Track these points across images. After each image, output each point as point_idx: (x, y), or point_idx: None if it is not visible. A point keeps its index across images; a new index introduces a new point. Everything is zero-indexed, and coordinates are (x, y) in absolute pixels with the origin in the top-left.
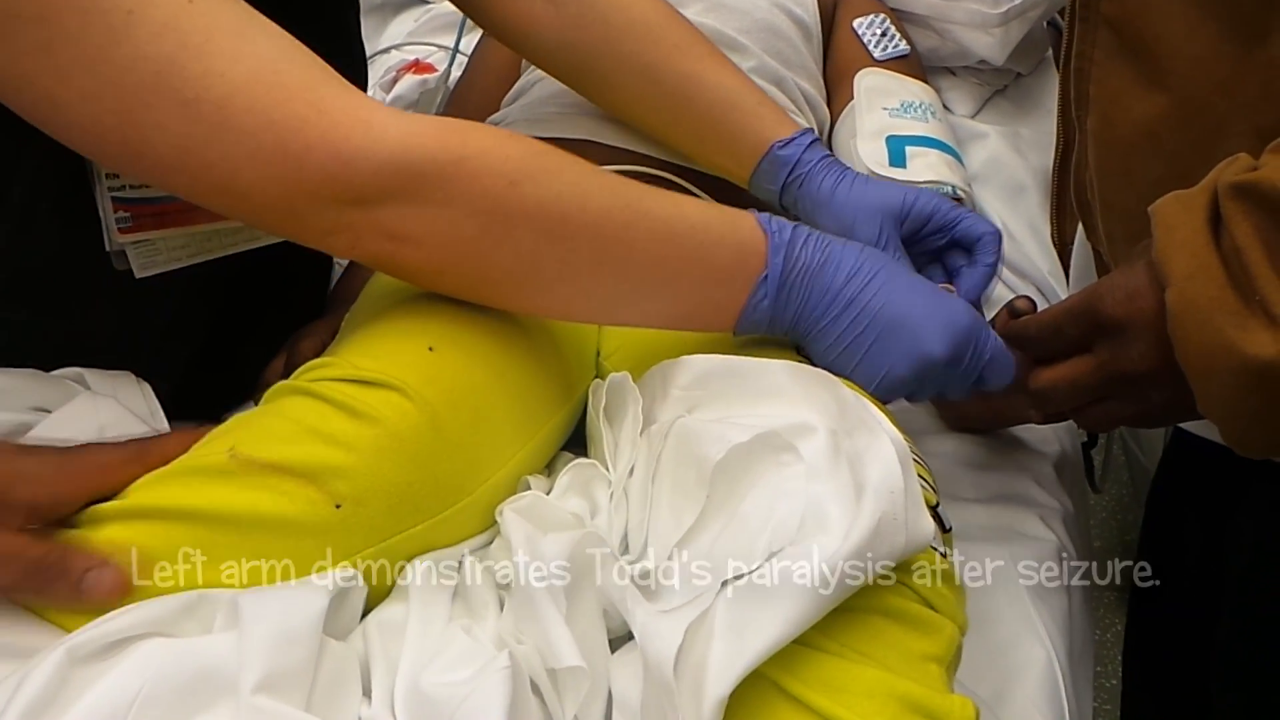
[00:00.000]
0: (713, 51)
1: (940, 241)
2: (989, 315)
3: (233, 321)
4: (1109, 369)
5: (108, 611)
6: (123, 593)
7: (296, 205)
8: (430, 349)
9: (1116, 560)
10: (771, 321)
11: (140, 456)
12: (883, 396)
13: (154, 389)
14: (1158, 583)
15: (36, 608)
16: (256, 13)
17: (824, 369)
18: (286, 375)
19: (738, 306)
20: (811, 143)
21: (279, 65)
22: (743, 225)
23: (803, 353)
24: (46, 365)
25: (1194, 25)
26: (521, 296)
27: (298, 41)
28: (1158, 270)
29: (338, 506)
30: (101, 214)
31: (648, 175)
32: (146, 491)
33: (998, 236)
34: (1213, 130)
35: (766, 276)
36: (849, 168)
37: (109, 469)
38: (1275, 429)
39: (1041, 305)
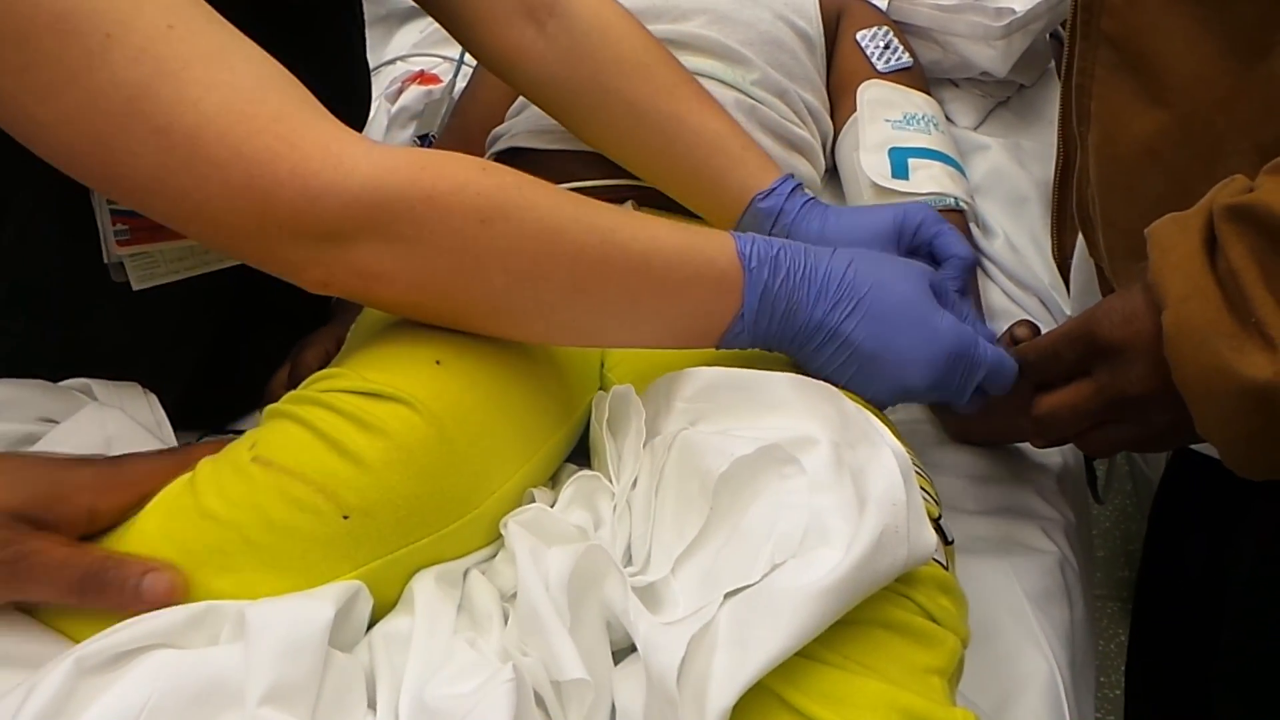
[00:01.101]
0: (700, 94)
1: (922, 253)
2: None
3: (234, 332)
4: (1109, 393)
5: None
6: (180, 594)
7: (267, 239)
8: (437, 363)
9: (1120, 570)
10: (753, 344)
11: (183, 465)
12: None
13: (158, 399)
14: (1161, 595)
15: (45, 616)
16: (242, 38)
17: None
18: (292, 386)
19: (716, 336)
20: (792, 190)
21: (254, 94)
22: (720, 258)
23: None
24: (49, 375)
25: (1194, 42)
26: (499, 329)
27: (280, 68)
28: (1154, 292)
29: (346, 517)
30: (100, 226)
31: (647, 189)
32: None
33: (968, 262)
34: (1213, 147)
35: (742, 314)
36: (830, 207)
37: (155, 476)
38: (1275, 451)
39: (1043, 315)
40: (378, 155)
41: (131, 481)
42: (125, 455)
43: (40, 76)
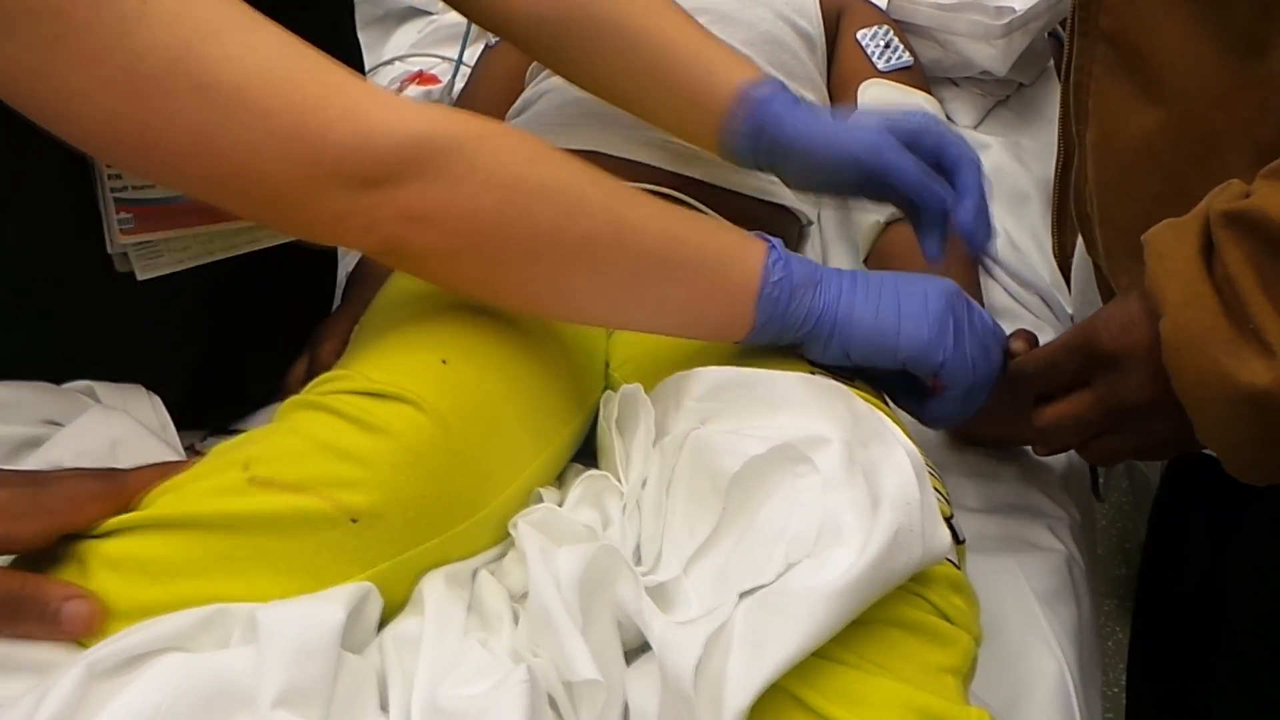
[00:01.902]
0: (678, 9)
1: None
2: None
3: (238, 325)
4: (1109, 402)
5: (84, 644)
6: (100, 625)
7: (314, 188)
8: (443, 362)
9: (1117, 568)
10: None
11: (115, 491)
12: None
13: (160, 394)
14: (1161, 593)
15: None
16: (261, 14)
17: None
18: (310, 379)
19: (743, 330)
20: (783, 87)
21: (293, 53)
22: (734, 273)
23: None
24: (52, 369)
25: (1191, 40)
26: (534, 282)
27: (305, 41)
28: (1151, 299)
29: (354, 521)
30: (104, 216)
31: (655, 191)
32: (163, 503)
33: (976, 163)
34: (1210, 145)
35: (754, 329)
36: (820, 109)
37: (80, 503)
38: (1275, 457)
39: (1045, 313)
40: (425, 106)
41: (53, 509)
42: (55, 473)
43: (74, 46)
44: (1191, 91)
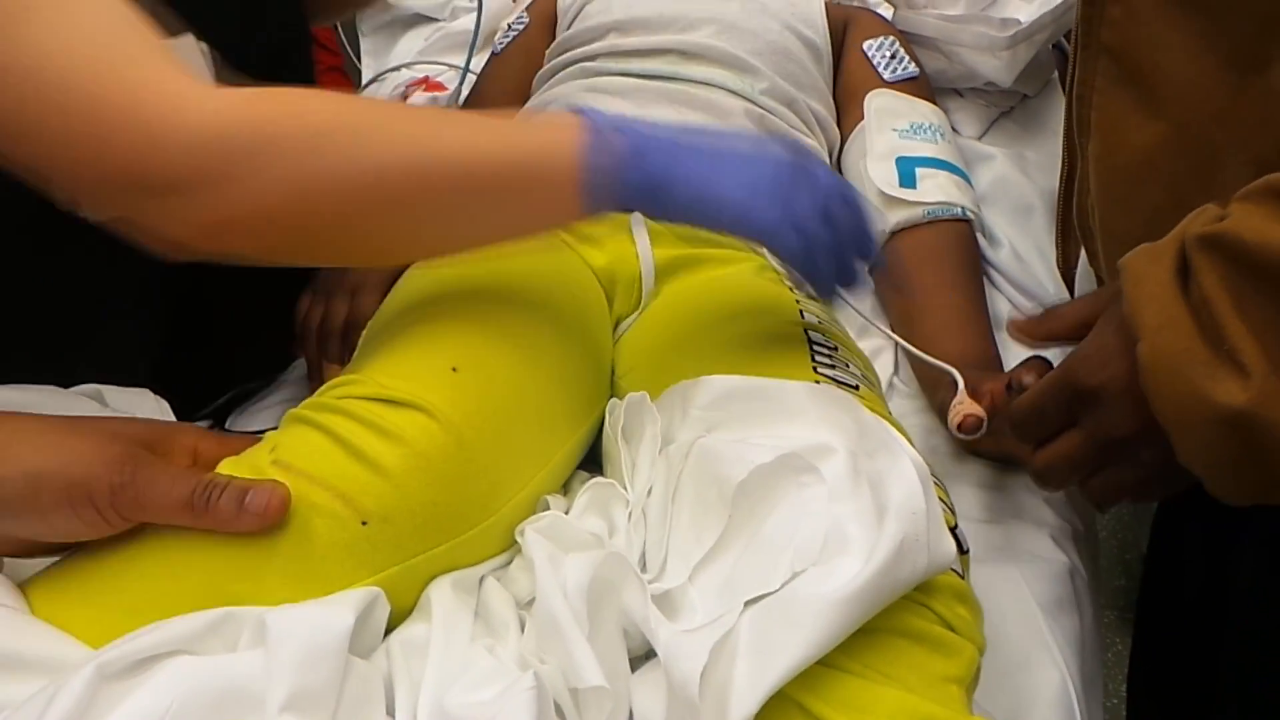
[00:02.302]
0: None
1: None
2: (998, 334)
3: (206, 293)
4: (1097, 437)
5: (265, 531)
6: (281, 513)
7: (105, 192)
8: (454, 369)
9: (1117, 579)
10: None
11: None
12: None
13: (134, 366)
14: (1163, 605)
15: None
16: None
17: None
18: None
19: (573, 219)
20: None
21: (98, 37)
22: (554, 173)
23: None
24: (16, 337)
25: (1192, 55)
26: (355, 245)
27: (131, 12)
28: (1128, 324)
29: (364, 524)
30: None
31: None
32: None
33: None
34: (1211, 159)
35: (583, 215)
36: None
37: (240, 442)
38: (1257, 478)
39: None
40: (216, 97)
41: (225, 440)
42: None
43: None
44: (1192, 106)
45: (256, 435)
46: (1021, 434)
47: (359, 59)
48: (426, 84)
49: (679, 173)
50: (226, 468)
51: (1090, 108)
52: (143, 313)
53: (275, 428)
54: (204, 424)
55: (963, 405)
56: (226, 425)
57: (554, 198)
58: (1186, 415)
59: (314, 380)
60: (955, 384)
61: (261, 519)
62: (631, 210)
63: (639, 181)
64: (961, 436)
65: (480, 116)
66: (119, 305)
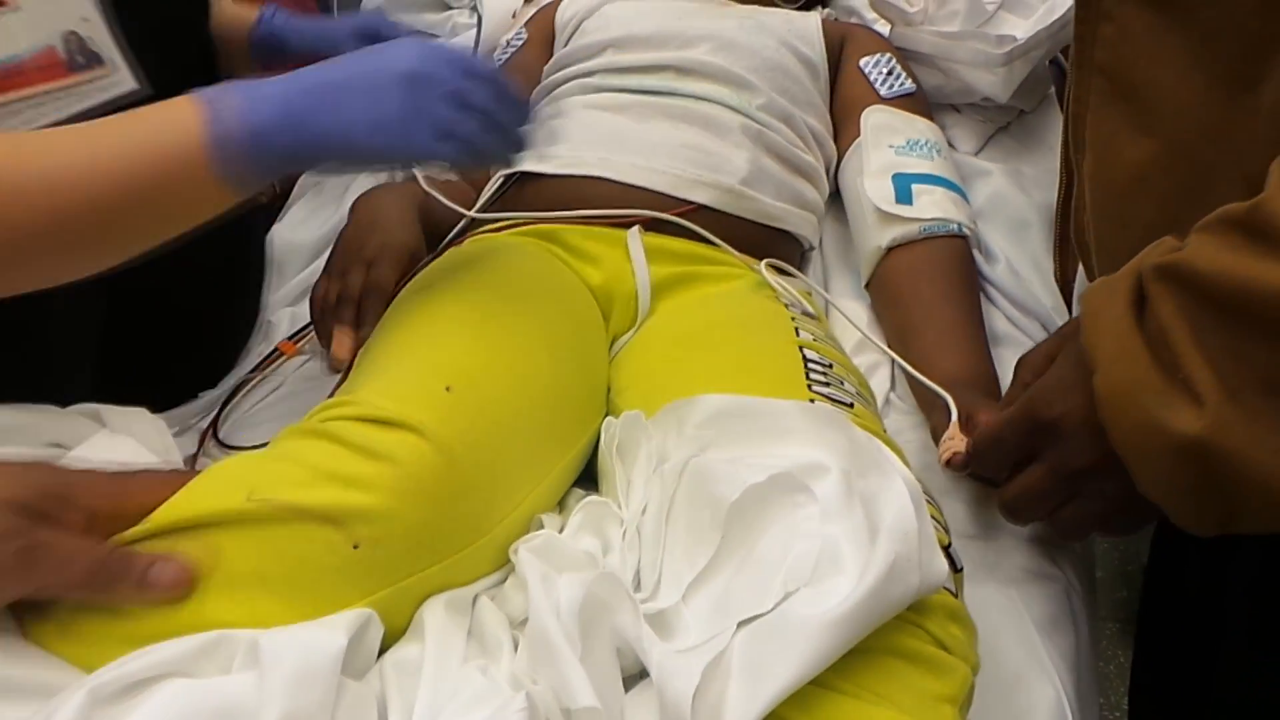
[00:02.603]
0: None
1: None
2: (995, 351)
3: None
4: (1059, 470)
5: (171, 605)
6: (188, 586)
7: None
8: (447, 389)
9: (1118, 591)
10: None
11: (183, 480)
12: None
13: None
14: (1164, 617)
15: (48, 641)
16: None
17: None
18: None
19: (223, 204)
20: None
21: None
22: (181, 167)
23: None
24: None
25: (1183, 73)
26: (18, 283)
27: None
28: (1086, 356)
29: (356, 547)
30: None
31: (655, 218)
32: (163, 513)
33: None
34: (1202, 177)
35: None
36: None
37: (158, 492)
38: (1218, 507)
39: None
40: None
41: (133, 493)
42: (132, 470)
43: None
44: (1183, 124)
45: (191, 472)
46: (982, 467)
47: None
48: None
49: (320, 129)
50: (195, 508)
51: (1085, 125)
52: (81, 312)
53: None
54: (198, 431)
55: (952, 441)
56: (220, 436)
57: (193, 183)
58: (1143, 445)
59: (327, 358)
60: (949, 411)
61: (169, 592)
62: (289, 171)
63: (284, 148)
64: (950, 471)
65: (101, 126)
66: (57, 304)
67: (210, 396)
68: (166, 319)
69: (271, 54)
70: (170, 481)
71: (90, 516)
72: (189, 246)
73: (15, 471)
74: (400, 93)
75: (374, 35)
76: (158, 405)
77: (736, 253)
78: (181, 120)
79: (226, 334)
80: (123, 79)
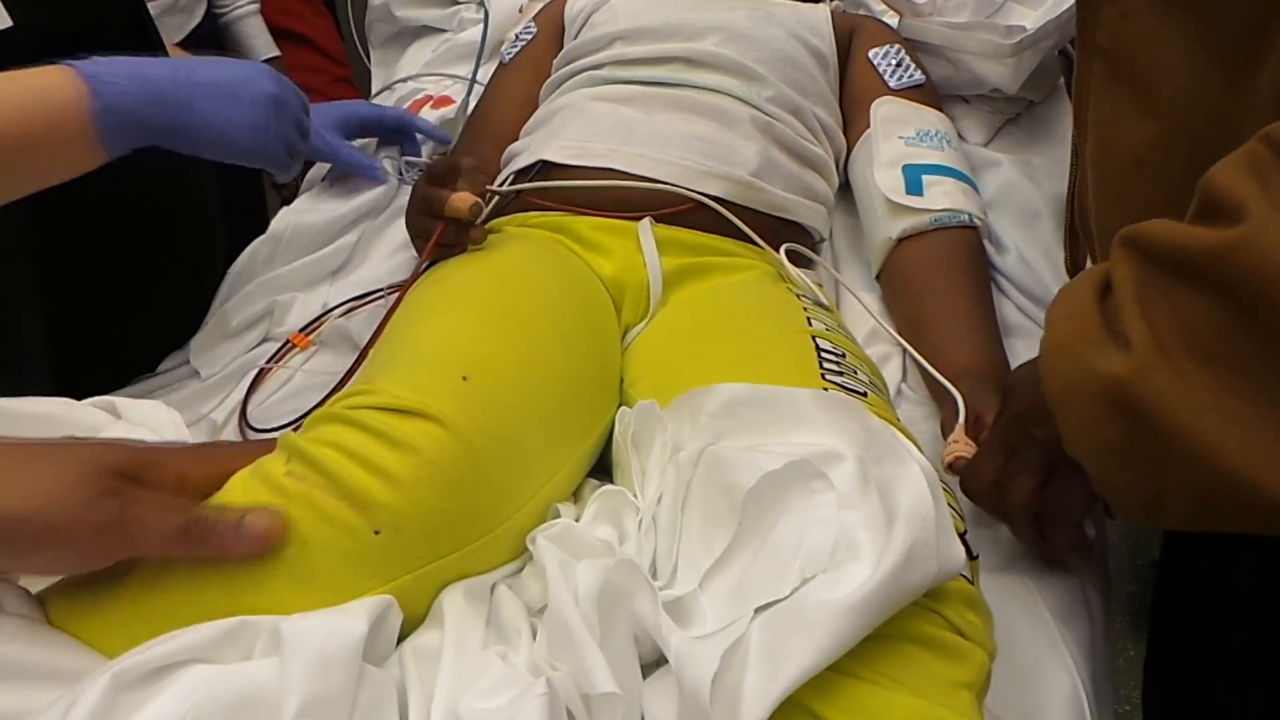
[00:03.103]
0: None
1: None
2: (1006, 341)
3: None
4: (1034, 457)
5: (262, 558)
6: (278, 536)
7: None
8: (464, 378)
9: (1128, 584)
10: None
11: (260, 452)
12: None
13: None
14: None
15: (79, 628)
16: None
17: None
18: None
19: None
20: None
21: None
22: (57, 134)
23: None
24: None
25: (1183, 54)
26: None
27: None
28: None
29: (376, 533)
30: None
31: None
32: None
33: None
34: (1202, 159)
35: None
36: None
37: (237, 458)
38: (1144, 478)
39: None
40: None
41: (215, 459)
42: (206, 442)
43: None
44: (1183, 105)
45: (269, 439)
46: (977, 478)
47: (369, 67)
48: (434, 101)
49: (200, 121)
50: (241, 479)
51: (1087, 108)
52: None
53: (293, 424)
54: (211, 422)
55: (956, 445)
56: (247, 417)
57: (69, 145)
58: (1072, 392)
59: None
60: (957, 410)
61: (261, 544)
62: (156, 144)
63: (162, 125)
64: (953, 475)
65: None
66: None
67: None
68: (111, 276)
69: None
70: (250, 451)
71: (180, 480)
72: (130, 199)
73: (106, 443)
74: (270, 109)
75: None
76: (116, 370)
77: (758, 238)
78: (61, 89)
79: (178, 293)
80: None
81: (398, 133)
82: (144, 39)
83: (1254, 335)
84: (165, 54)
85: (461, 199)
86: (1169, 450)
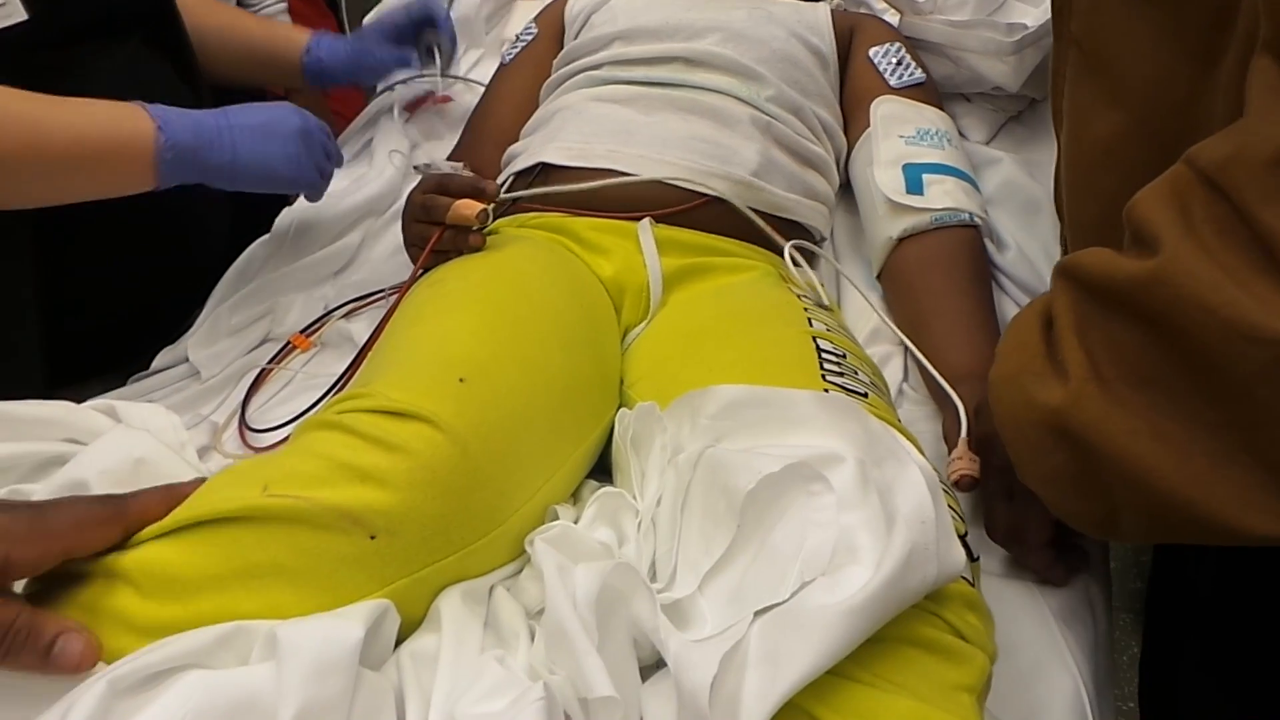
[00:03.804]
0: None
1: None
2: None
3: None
4: (1006, 480)
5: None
6: (91, 662)
7: None
8: (460, 380)
9: (1132, 582)
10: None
11: (119, 516)
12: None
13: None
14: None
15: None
16: None
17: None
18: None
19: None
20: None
21: None
22: (131, 159)
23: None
24: None
25: (1150, 46)
26: None
27: None
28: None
29: (372, 537)
30: None
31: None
32: (181, 510)
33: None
34: (1167, 150)
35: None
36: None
37: (85, 528)
38: (1093, 499)
39: None
40: None
41: (54, 533)
42: (53, 502)
43: None
44: (1151, 96)
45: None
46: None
47: None
48: (433, 99)
49: (247, 158)
50: (235, 483)
51: (1062, 97)
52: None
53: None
54: (211, 424)
55: (960, 462)
56: (246, 419)
57: (131, 170)
58: (1018, 423)
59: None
60: (959, 419)
61: (73, 670)
62: (208, 181)
63: (212, 164)
64: (959, 492)
65: (73, 103)
66: None
67: (173, 369)
68: (108, 260)
69: (319, 78)
70: (94, 513)
71: (3, 562)
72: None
73: None
74: (300, 141)
75: (428, 19)
76: (112, 359)
77: (769, 229)
78: (133, 120)
79: (175, 282)
80: (14, 10)
81: (427, 22)
82: (168, 30)
83: (1179, 361)
84: (188, 42)
85: (468, 205)
86: (1111, 475)
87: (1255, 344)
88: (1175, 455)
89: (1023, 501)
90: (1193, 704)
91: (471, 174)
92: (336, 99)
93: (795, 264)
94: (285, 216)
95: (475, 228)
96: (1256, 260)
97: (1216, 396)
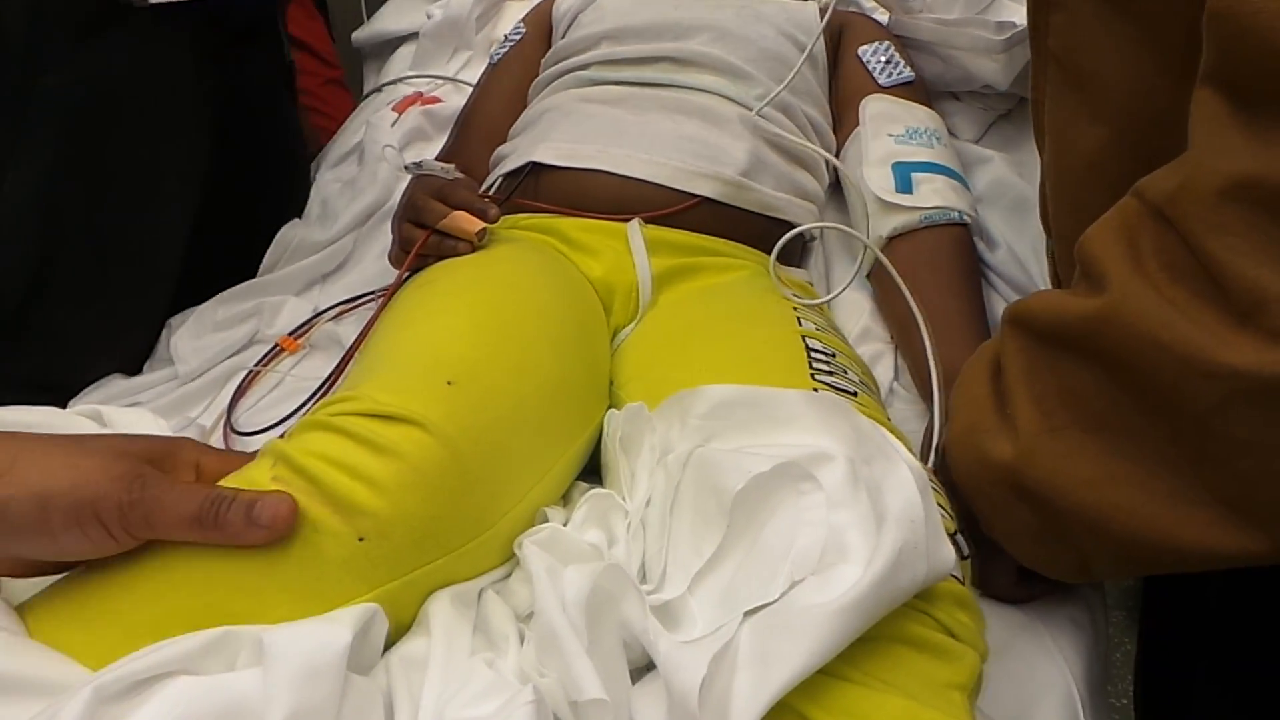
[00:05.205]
0: None
1: None
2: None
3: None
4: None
5: (273, 545)
6: (291, 520)
7: None
8: (449, 383)
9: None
10: None
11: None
12: None
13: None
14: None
15: (60, 635)
16: None
17: None
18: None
19: None
20: None
21: None
22: None
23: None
24: None
25: (1128, 60)
26: None
27: None
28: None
29: (361, 539)
30: None
31: (659, 217)
32: None
33: None
34: (1151, 164)
35: None
36: None
37: (233, 460)
38: (1062, 550)
39: None
40: None
41: (227, 455)
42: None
43: None
44: (1132, 110)
45: (254, 448)
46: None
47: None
48: (421, 99)
49: None
50: (228, 484)
51: (1043, 113)
52: None
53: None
54: (198, 427)
55: None
56: (233, 421)
57: None
58: (976, 480)
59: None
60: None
61: (270, 531)
62: None
63: None
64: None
65: None
66: None
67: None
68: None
69: None
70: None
71: (196, 467)
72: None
73: (125, 436)
74: None
75: None
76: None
77: (795, 223)
78: None
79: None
80: None
81: None
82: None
83: (1132, 399)
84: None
85: (469, 220)
86: (1073, 524)
87: (1210, 379)
88: (1135, 496)
89: (986, 551)
90: (1206, 714)
91: (473, 191)
92: (325, 103)
93: (786, 261)
94: (289, 230)
95: (472, 241)
96: (1205, 292)
97: (1174, 433)
